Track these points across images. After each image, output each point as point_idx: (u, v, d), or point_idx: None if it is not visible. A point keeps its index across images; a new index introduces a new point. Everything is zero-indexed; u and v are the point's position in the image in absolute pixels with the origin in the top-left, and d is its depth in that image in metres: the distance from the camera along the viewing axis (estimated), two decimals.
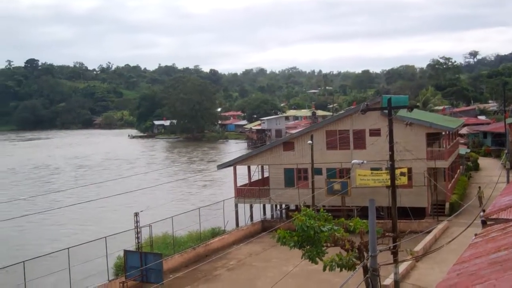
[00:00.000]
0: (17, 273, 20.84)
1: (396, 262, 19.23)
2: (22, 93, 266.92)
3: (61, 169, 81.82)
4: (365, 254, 15.01)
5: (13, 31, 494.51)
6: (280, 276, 20.85)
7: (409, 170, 34.26)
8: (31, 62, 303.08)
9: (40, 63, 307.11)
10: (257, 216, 38.13)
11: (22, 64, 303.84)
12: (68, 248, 21.82)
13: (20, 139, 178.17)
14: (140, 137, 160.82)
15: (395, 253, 18.72)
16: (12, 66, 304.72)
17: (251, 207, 38.45)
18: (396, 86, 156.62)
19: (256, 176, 41.31)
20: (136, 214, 24.00)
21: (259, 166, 41.46)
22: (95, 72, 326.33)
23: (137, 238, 24.12)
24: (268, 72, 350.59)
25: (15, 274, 21.35)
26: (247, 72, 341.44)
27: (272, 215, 39.14)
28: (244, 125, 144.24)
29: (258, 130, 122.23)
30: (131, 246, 24.43)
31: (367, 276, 13.58)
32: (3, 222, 33.83)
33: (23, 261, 20.12)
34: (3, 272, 20.74)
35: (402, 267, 22.26)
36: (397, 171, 28.63)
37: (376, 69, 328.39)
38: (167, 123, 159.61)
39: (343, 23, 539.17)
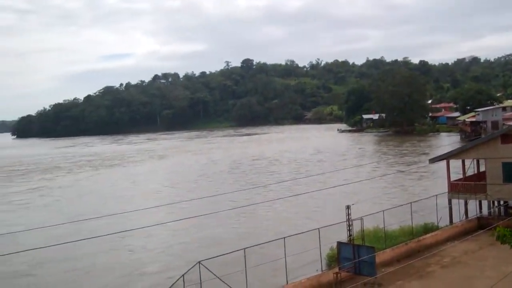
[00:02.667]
0: (237, 260, 22.22)
1: None
2: (239, 92, 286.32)
3: (279, 162, 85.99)
4: None
5: (231, 33, 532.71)
6: (499, 277, 19.64)
7: None
8: (247, 62, 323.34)
9: (254, 63, 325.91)
10: (472, 213, 36.18)
11: (239, 64, 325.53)
12: (284, 238, 22.70)
13: (238, 134, 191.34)
14: (349, 131, 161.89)
15: None
16: (230, 66, 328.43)
17: (465, 203, 36.56)
18: None
19: (470, 171, 39.18)
20: (348, 207, 24.32)
21: (474, 160, 39.24)
22: (305, 69, 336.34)
23: (349, 230, 24.41)
24: (482, 60, 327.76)
25: (236, 260, 22.71)
26: (459, 62, 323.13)
27: (490, 212, 36.76)
28: (457, 117, 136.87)
29: (472, 122, 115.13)
30: (342, 238, 24.76)
31: None
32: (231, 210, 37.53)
33: (244, 248, 21.24)
34: (227, 258, 22.25)
35: None
36: None
37: None
38: (375, 116, 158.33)
39: None
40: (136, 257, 33.87)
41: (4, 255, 26.39)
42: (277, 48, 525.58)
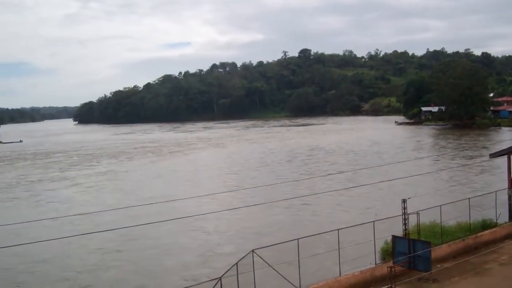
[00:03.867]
0: (290, 250, 22.55)
1: None
2: (295, 82, 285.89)
3: (336, 153, 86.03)
4: None
5: (290, 22, 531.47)
6: None
7: None
8: (304, 52, 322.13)
9: (312, 53, 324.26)
10: None
11: (296, 54, 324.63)
12: (338, 230, 22.90)
13: (294, 124, 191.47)
14: (407, 123, 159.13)
15: None
16: (287, 56, 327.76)
17: None
18: None
19: None
20: (404, 201, 24.21)
21: None
22: (363, 60, 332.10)
23: (404, 224, 24.32)
24: None
25: (288, 251, 23.12)
26: None
27: None
28: None
29: None
30: (397, 232, 24.70)
31: None
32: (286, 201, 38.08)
33: (297, 239, 21.46)
34: (279, 248, 22.52)
35: None
36: None
37: None
38: (435, 109, 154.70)
39: None
40: (207, 239, 35.45)
41: (93, 232, 30.63)
42: (335, 38, 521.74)
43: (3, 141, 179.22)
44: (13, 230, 35.01)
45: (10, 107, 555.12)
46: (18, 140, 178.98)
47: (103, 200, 52.58)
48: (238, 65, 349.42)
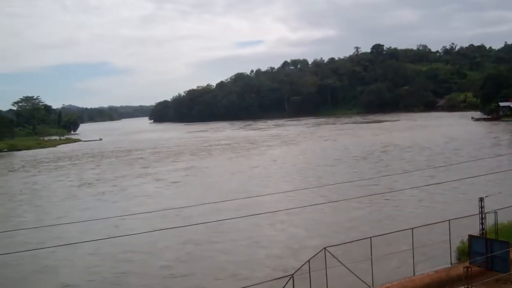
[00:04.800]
0: (364, 247, 22.74)
1: None
2: (368, 78, 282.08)
3: (412, 149, 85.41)
4: None
5: (362, 18, 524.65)
6: None
7: None
8: (377, 48, 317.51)
9: (385, 48, 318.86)
10: None
11: (368, 50, 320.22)
12: (412, 228, 22.92)
13: (366, 121, 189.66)
14: (484, 119, 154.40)
15: None
16: (360, 52, 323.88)
17: None
18: None
19: None
20: (481, 199, 23.67)
21: None
22: (438, 54, 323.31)
23: (482, 224, 23.86)
24: None
25: (361, 248, 23.41)
26: None
27: None
28: None
29: None
30: (473, 231, 24.41)
31: None
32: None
33: (370, 237, 21.57)
34: (354, 245, 22.91)
35: None
36: None
37: None
38: None
39: None
40: (292, 233, 36.75)
41: (191, 225, 32.56)
42: (409, 32, 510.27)
43: (84, 139, 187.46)
44: (111, 222, 38.21)
45: (89, 107, 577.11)
46: (98, 138, 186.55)
47: (189, 194, 55.48)
48: (309, 62, 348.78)
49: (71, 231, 37.34)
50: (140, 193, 58.38)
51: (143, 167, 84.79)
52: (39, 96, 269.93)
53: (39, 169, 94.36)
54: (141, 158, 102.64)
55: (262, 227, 38.13)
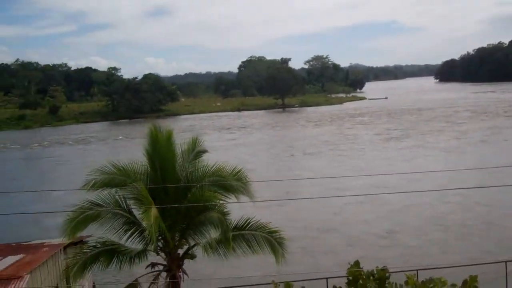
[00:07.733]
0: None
1: None
2: None
3: None
4: None
5: None
6: None
7: None
8: None
9: None
10: None
11: None
12: None
13: None
14: None
15: None
16: None
17: None
18: None
19: None
20: None
21: None
22: None
23: None
24: None
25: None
26: None
27: None
28: None
29: None
30: None
31: None
32: None
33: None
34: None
35: None
36: None
37: None
38: None
39: None
40: None
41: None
42: None
43: (369, 98, 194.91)
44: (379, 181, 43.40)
45: (375, 65, 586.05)
46: (384, 97, 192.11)
47: None
48: None
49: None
50: (451, 149, 64.98)
51: (443, 125, 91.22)
52: (328, 55, 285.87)
53: (338, 123, 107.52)
54: (435, 117, 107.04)
55: None
